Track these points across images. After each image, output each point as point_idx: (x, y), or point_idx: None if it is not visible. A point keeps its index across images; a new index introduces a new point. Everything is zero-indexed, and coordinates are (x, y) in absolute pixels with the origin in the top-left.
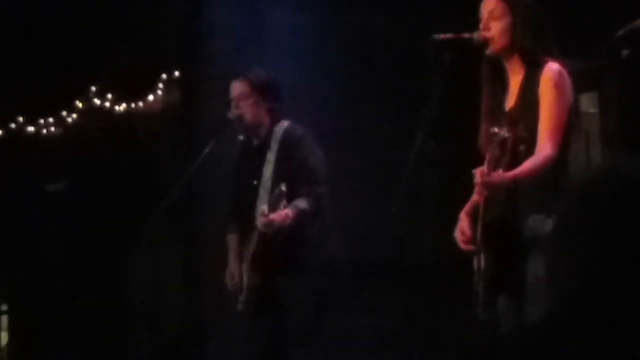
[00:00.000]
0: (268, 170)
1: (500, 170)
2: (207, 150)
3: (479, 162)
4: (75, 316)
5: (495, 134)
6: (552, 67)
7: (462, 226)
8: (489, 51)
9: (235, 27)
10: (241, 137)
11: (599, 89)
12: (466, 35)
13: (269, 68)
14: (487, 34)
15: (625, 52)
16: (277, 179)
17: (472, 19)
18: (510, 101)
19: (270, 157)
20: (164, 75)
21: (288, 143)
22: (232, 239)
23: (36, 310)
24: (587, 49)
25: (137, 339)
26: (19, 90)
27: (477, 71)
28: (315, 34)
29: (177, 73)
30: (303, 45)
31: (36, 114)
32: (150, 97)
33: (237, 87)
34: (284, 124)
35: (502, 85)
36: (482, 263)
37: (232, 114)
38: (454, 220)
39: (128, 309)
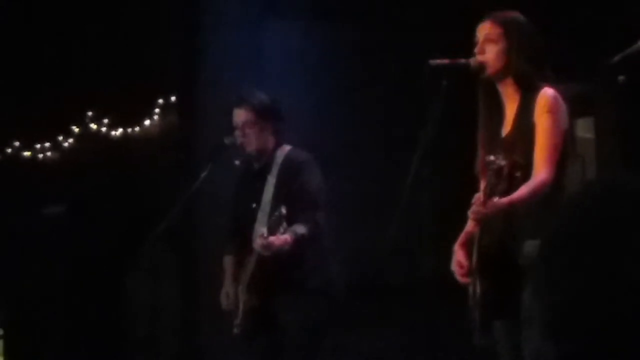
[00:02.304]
0: (268, 194)
1: (497, 198)
2: (203, 174)
3: (475, 186)
4: (72, 340)
5: (492, 162)
6: (547, 93)
7: (459, 259)
8: (484, 74)
9: (231, 51)
10: (237, 162)
11: (594, 115)
12: (462, 60)
13: (269, 91)
14: (482, 58)
15: (621, 78)
16: (276, 202)
17: (468, 44)
18: (506, 127)
19: (271, 180)
20: (160, 100)
21: (289, 167)
22: (228, 260)
23: (33, 334)
24: (583, 75)
25: None
26: (16, 115)
27: (473, 96)
28: (311, 58)
29: (173, 98)
30: (299, 69)
31: (33, 138)
32: (147, 122)
33: (241, 115)
34: (286, 148)
35: (498, 111)
36: (478, 288)
37: (235, 140)
38: (450, 242)
39: (125, 332)
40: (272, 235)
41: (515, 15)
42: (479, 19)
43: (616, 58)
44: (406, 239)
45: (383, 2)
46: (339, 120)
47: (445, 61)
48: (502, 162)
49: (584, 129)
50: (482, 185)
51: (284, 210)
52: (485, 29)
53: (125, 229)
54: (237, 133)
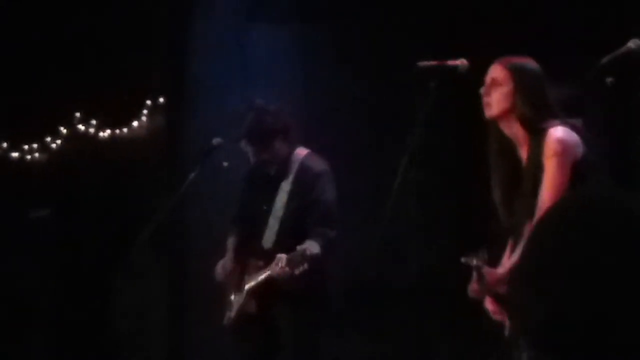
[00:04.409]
0: (281, 200)
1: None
2: (192, 175)
3: (461, 188)
4: (59, 342)
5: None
6: (552, 136)
7: (492, 309)
8: (487, 115)
9: (220, 53)
10: (225, 164)
11: (583, 116)
12: (450, 62)
13: (269, 100)
14: (487, 99)
15: (609, 80)
16: (289, 211)
17: (455, 46)
18: (522, 178)
19: (285, 187)
20: (148, 102)
21: (304, 178)
22: (232, 242)
23: (19, 337)
24: (570, 77)
25: None
26: (3, 116)
27: (461, 98)
28: (300, 60)
29: (161, 99)
30: (288, 70)
31: (20, 139)
32: (135, 123)
33: (244, 146)
34: (302, 152)
35: (509, 159)
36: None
37: (223, 141)
38: (438, 245)
39: (112, 334)
40: (290, 268)
41: (524, 60)
42: (466, 21)
43: (604, 60)
44: (394, 241)
45: (372, 5)
46: (326, 122)
47: (434, 63)
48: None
49: None
50: (507, 252)
51: (308, 252)
52: (493, 72)
53: (113, 230)
54: (252, 157)
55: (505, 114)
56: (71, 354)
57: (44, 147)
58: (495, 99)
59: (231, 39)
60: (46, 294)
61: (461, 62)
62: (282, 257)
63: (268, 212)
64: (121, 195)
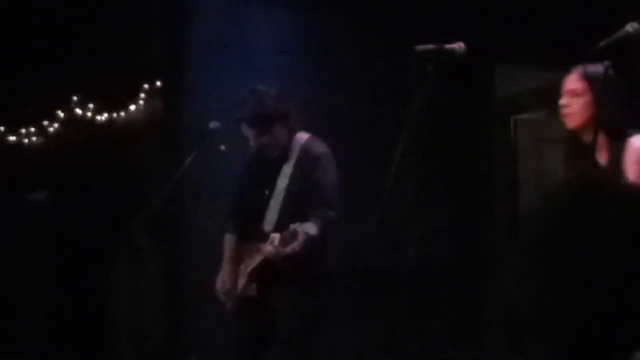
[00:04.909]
0: (282, 183)
1: None
2: (188, 160)
3: (459, 171)
4: (55, 326)
5: None
6: (634, 144)
7: None
8: (570, 126)
9: (218, 36)
10: (223, 148)
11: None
12: (448, 46)
13: (270, 86)
14: (568, 110)
15: (606, 63)
16: (289, 193)
17: (453, 31)
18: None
19: (287, 170)
20: (145, 85)
21: (306, 160)
22: (230, 240)
23: (14, 321)
24: (568, 60)
25: (119, 350)
26: (1, 100)
27: (458, 83)
28: (298, 45)
29: (158, 83)
30: (285, 54)
31: (18, 123)
32: (132, 107)
33: (247, 130)
34: (304, 137)
35: (586, 163)
36: None
37: (220, 125)
38: (433, 230)
39: (108, 319)
40: (282, 247)
41: (598, 67)
42: (463, 6)
43: (602, 43)
44: (390, 227)
45: None
46: (325, 106)
47: (431, 47)
48: None
49: None
50: None
51: (299, 229)
52: (570, 84)
53: (110, 213)
54: (252, 141)
55: (586, 124)
56: (67, 339)
57: (41, 131)
58: (577, 110)
59: (229, 22)
60: (42, 277)
61: (459, 46)
62: (275, 237)
63: (270, 195)
64: (118, 178)
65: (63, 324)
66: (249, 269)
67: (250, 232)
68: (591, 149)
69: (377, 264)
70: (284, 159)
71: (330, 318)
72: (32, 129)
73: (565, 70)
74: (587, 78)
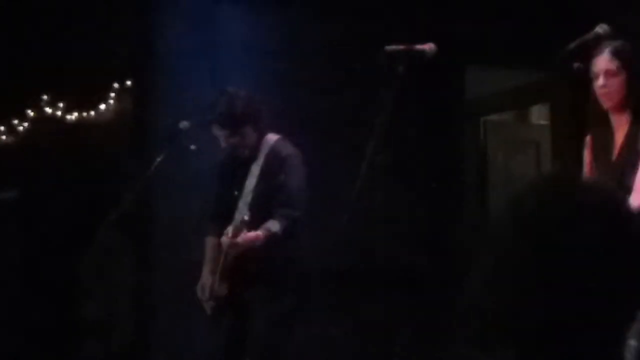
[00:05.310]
0: (250, 184)
1: None
2: (158, 159)
3: (429, 172)
4: (23, 326)
5: None
6: None
7: None
8: (607, 106)
9: (187, 36)
10: (193, 147)
11: (550, 101)
12: (418, 46)
13: (240, 86)
14: (605, 90)
15: (576, 65)
16: (257, 194)
17: (424, 31)
18: (614, 152)
19: (255, 170)
20: (115, 84)
21: (273, 160)
22: (209, 243)
23: None
24: (539, 62)
25: (88, 350)
26: None
27: (428, 83)
28: (266, 44)
29: (129, 82)
30: (254, 54)
31: None
32: (102, 106)
33: (217, 130)
34: (273, 138)
35: (608, 137)
36: None
37: (190, 125)
38: (403, 228)
39: (79, 318)
40: (235, 237)
41: (629, 46)
42: (434, 6)
43: (572, 45)
44: (359, 228)
45: None
46: (293, 107)
47: (401, 47)
48: None
49: (540, 115)
50: None
51: (246, 217)
52: (604, 64)
53: (80, 213)
54: (222, 142)
55: (621, 102)
56: (36, 338)
57: (11, 130)
58: (614, 89)
59: (199, 21)
60: (11, 276)
61: (429, 47)
62: (229, 228)
63: (239, 196)
64: (88, 178)
65: (32, 323)
66: (219, 268)
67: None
68: (610, 129)
69: (346, 265)
70: (252, 159)
71: (300, 318)
72: (2, 128)
73: (536, 70)
74: (621, 58)
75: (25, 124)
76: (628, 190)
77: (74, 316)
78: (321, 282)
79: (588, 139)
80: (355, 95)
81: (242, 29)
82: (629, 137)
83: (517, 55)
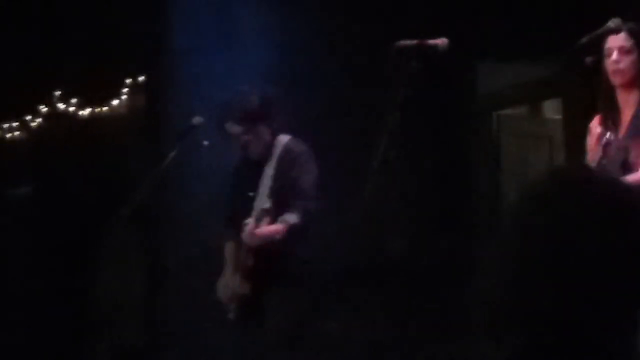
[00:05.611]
0: (265, 184)
1: None
2: (171, 155)
3: (441, 167)
4: (35, 322)
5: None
6: None
7: None
8: (618, 82)
9: (201, 31)
10: (206, 143)
11: (563, 96)
12: (430, 41)
13: (253, 86)
14: (618, 67)
15: (589, 59)
16: (272, 193)
17: (436, 26)
18: (621, 129)
19: (269, 171)
20: (128, 80)
21: (286, 159)
22: (229, 247)
23: None
24: (551, 56)
25: (98, 348)
26: None
27: (440, 78)
28: (281, 39)
29: (141, 78)
30: (269, 49)
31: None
32: (115, 102)
33: (232, 128)
34: (285, 138)
35: (615, 114)
36: None
37: (203, 120)
38: (417, 225)
39: (90, 312)
40: (256, 227)
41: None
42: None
43: (585, 39)
44: (372, 224)
45: None
46: (306, 102)
47: (413, 42)
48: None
49: (552, 110)
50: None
51: (268, 205)
52: (618, 42)
53: (93, 209)
54: (236, 139)
55: (632, 80)
56: (47, 335)
57: (23, 126)
58: (627, 67)
59: (213, 17)
60: (25, 272)
61: (441, 42)
62: (248, 220)
63: (254, 196)
64: (101, 173)
65: (43, 320)
66: (239, 268)
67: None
68: (617, 105)
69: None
70: (265, 160)
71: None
72: (14, 124)
73: (548, 65)
74: (635, 37)
75: (38, 120)
76: (634, 167)
77: (85, 313)
78: (333, 280)
79: (593, 122)
80: (367, 90)
81: (256, 25)
82: (637, 116)
83: (530, 50)
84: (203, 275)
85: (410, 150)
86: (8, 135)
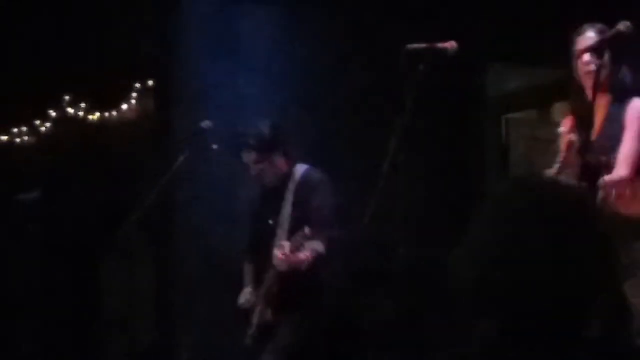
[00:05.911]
0: (286, 211)
1: None
2: (180, 159)
3: (451, 170)
4: (48, 326)
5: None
6: (637, 104)
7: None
8: (588, 85)
9: (209, 36)
10: (215, 147)
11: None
12: (440, 45)
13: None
14: (589, 68)
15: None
16: (294, 219)
17: (446, 30)
18: (595, 131)
19: (289, 198)
20: (137, 84)
21: (306, 188)
22: (248, 267)
23: (6, 320)
24: (560, 60)
25: (112, 350)
26: None
27: (450, 82)
28: (288, 44)
29: (151, 82)
30: (276, 54)
31: (10, 123)
32: (124, 106)
33: (247, 156)
34: (302, 168)
35: (588, 117)
36: None
37: (212, 124)
38: (426, 228)
39: (101, 317)
40: (293, 253)
41: (623, 26)
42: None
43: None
44: (382, 227)
45: None
46: (316, 106)
47: (423, 45)
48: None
49: (561, 113)
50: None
51: (308, 232)
52: (589, 41)
53: (102, 213)
54: (252, 169)
55: (604, 81)
56: (60, 339)
57: (34, 131)
58: (598, 68)
59: (221, 21)
60: (35, 277)
61: (451, 45)
62: (284, 244)
63: (275, 224)
64: (110, 178)
65: (56, 324)
66: (263, 294)
67: (263, 265)
68: (590, 107)
69: (369, 264)
70: (284, 188)
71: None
72: (24, 129)
73: (557, 68)
74: (609, 37)
75: (48, 125)
76: (608, 167)
77: (97, 317)
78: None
79: (565, 125)
80: (376, 93)
81: (265, 30)
82: (609, 117)
83: (539, 54)
84: (213, 279)
85: (420, 153)
86: (18, 140)
